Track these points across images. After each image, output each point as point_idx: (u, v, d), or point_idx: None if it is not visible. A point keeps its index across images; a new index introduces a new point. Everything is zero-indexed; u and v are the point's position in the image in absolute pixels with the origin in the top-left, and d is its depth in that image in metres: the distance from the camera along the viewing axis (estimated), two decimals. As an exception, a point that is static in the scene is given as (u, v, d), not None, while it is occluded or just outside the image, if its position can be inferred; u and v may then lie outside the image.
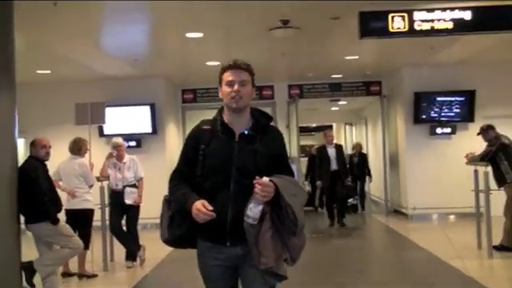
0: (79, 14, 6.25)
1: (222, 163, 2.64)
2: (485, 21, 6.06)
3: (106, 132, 10.51)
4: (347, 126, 19.12)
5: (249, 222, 2.49)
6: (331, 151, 10.36)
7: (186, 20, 6.86)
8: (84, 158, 6.56)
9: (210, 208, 2.51)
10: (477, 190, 7.37)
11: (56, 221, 5.11)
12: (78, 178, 6.29)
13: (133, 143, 10.65)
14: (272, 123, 2.84)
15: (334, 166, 10.26)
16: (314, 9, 6.41)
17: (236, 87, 2.65)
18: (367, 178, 12.99)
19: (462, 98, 10.75)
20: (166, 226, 2.74)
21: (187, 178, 2.70)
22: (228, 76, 2.68)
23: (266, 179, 2.48)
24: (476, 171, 7.35)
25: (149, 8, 6.35)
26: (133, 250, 7.03)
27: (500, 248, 7.11)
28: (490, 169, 7.07)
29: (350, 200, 11.31)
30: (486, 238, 6.98)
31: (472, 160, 7.35)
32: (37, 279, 5.20)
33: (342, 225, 10.35)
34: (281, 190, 2.51)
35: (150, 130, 10.79)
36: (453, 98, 10.80)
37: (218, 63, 9.36)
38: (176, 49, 8.59)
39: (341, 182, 10.27)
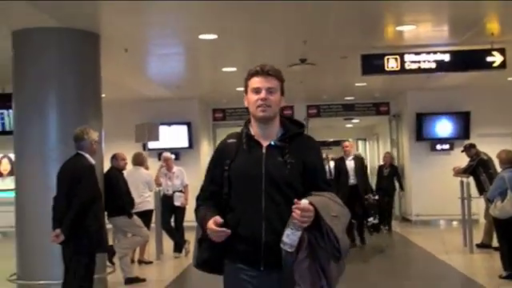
0: (132, 51, 7.94)
1: (250, 179, 2.38)
2: (461, 62, 7.67)
3: (149, 147, 12.23)
4: (360, 141, 20.67)
5: (285, 248, 2.23)
6: (349, 163, 9.21)
7: (221, 57, 8.56)
8: (149, 169, 8.28)
9: (220, 221, 2.29)
10: (462, 197, 8.88)
11: (131, 215, 6.81)
12: (144, 185, 7.95)
13: (172, 156, 12.34)
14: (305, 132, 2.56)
15: (352, 180, 9.12)
16: (327, 50, 8.07)
17: (263, 94, 2.40)
18: (399, 191, 12.12)
19: (458, 118, 12.28)
20: (196, 249, 2.52)
21: (213, 197, 2.47)
22: (255, 82, 2.43)
23: (305, 202, 2.20)
24: (462, 182, 8.88)
25: (192, 47, 8.04)
26: (180, 244, 8.69)
27: (481, 245, 8.58)
28: (471, 180, 8.61)
29: (370, 219, 9.30)
30: (468, 238, 8.51)
31: (458, 173, 8.89)
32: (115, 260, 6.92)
33: (362, 243, 9.51)
34: (321, 211, 2.23)
35: (187, 145, 12.51)
36: (450, 118, 12.34)
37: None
38: (213, 79, 10.33)
39: (359, 198, 8.99)
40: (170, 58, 8.57)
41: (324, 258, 2.25)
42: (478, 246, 8.57)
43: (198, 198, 2.55)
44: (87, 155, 4.64)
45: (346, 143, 9.61)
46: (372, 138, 18.89)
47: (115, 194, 6.58)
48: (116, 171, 6.85)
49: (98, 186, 4.70)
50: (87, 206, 4.40)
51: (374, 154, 18.63)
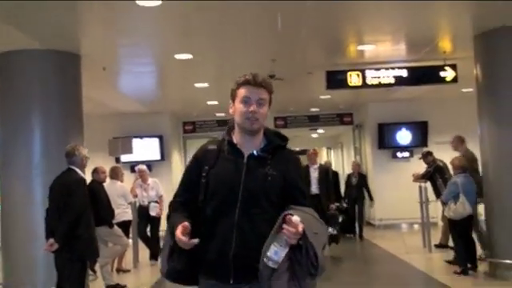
0: (109, 69, 8.31)
1: (227, 187, 2.30)
2: (417, 77, 8.31)
3: (122, 159, 12.54)
4: (324, 150, 21.40)
5: (269, 264, 2.16)
6: (313, 172, 9.08)
7: (194, 74, 9.00)
8: (124, 182, 8.62)
9: (188, 229, 2.19)
10: (421, 201, 9.51)
11: (112, 225, 7.15)
12: (120, 197, 8.29)
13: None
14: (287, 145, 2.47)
15: (314, 189, 8.90)
16: (294, 67, 8.61)
17: (253, 107, 2.31)
18: (367, 201, 11.88)
19: (416, 128, 13.01)
20: (165, 258, 2.39)
21: (187, 203, 2.38)
22: (245, 92, 2.33)
23: (297, 219, 2.12)
24: (420, 187, 9.52)
25: (167, 66, 8.48)
26: (155, 252, 9.04)
27: (439, 246, 9.21)
28: (429, 185, 9.26)
29: (330, 230, 8.84)
30: (427, 239, 9.14)
31: (416, 178, 9.52)
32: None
33: None
34: (305, 227, 2.15)
35: (159, 157, 12.87)
36: (409, 128, 13.06)
37: (216, 102, 11.58)
38: (185, 93, 10.75)
39: (320, 208, 8.30)
40: (145, 75, 8.99)
41: (301, 274, 2.19)
42: (437, 246, 9.19)
43: (171, 205, 2.44)
44: (78, 170, 5.01)
45: (311, 151, 9.51)
46: (337, 147, 19.59)
47: (97, 205, 6.90)
48: (97, 184, 7.19)
49: (88, 198, 5.06)
50: (79, 216, 4.77)
51: (338, 162, 19.32)
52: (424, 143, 12.79)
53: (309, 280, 2.22)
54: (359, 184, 11.66)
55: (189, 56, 7.42)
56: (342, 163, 17.95)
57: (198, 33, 6.46)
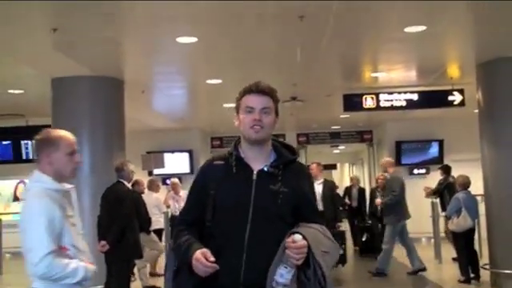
0: (147, 92, 9.27)
1: (236, 206, 2.19)
2: (427, 100, 9.02)
3: (154, 172, 13.47)
4: (346, 165, 22.10)
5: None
6: (317, 187, 7.96)
7: (223, 96, 9.86)
8: (158, 193, 9.50)
9: (212, 259, 2.08)
10: (433, 216, 10.17)
11: (149, 232, 8.01)
12: (155, 207, 9.16)
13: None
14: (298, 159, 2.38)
15: (318, 206, 9.62)
16: (313, 90, 9.42)
17: (257, 115, 2.24)
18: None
19: (433, 145, 13.66)
20: (169, 280, 2.27)
21: (195, 222, 2.28)
22: (248, 101, 2.28)
23: (299, 238, 2.05)
24: (432, 202, 10.17)
25: (199, 89, 9.35)
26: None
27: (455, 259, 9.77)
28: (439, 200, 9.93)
29: None
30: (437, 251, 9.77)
31: (428, 194, 10.20)
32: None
33: None
34: (312, 247, 2.07)
35: (188, 171, 13.76)
36: (426, 145, 13.72)
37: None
38: (214, 112, 11.64)
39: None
40: (178, 97, 9.93)
41: None
42: (454, 259, 9.72)
43: (177, 225, 2.35)
44: (126, 182, 5.88)
45: (313, 165, 8.91)
46: (358, 163, 20.26)
47: (137, 214, 7.77)
48: (137, 195, 8.06)
49: (137, 205, 5.93)
50: (127, 222, 5.63)
51: (360, 177, 19.93)
52: (440, 161, 13.40)
53: None
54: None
55: (219, 81, 8.30)
56: (363, 178, 18.60)
57: (228, 62, 7.32)
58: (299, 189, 2.29)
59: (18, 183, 13.96)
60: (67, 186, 2.91)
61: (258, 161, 2.29)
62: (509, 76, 7.28)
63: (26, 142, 10.76)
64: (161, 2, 4.79)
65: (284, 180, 2.25)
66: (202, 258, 2.08)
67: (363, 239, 10.84)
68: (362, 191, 12.30)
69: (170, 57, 6.88)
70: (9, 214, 12.86)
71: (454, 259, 9.64)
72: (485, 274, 7.81)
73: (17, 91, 8.65)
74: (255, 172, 2.26)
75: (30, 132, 10.62)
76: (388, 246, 8.60)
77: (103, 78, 7.58)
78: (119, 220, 5.58)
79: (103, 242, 5.63)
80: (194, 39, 5.93)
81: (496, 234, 7.52)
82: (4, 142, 10.78)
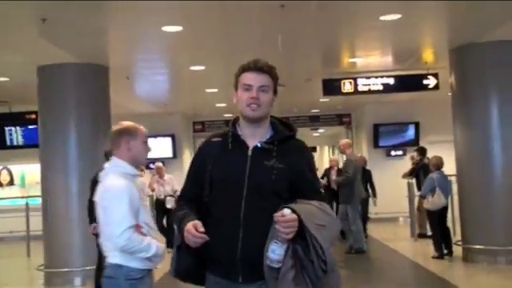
0: (131, 78, 9.47)
1: (232, 181, 2.22)
2: (403, 84, 9.37)
3: (138, 157, 13.66)
4: (326, 148, 22.52)
5: (272, 265, 2.06)
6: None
7: (206, 81, 10.09)
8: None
9: (202, 230, 2.10)
10: (409, 195, 10.57)
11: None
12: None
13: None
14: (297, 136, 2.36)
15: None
16: (294, 75, 9.68)
17: (254, 93, 2.23)
18: (371, 198, 11.26)
19: (410, 128, 14.07)
20: (174, 256, 2.30)
21: (195, 198, 2.30)
22: (246, 78, 2.26)
23: (287, 212, 2.02)
24: (408, 183, 10.57)
25: (182, 75, 9.57)
26: (171, 241, 10.12)
27: (420, 235, 10.19)
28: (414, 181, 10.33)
29: None
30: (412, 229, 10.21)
31: (404, 175, 10.59)
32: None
33: None
34: (304, 220, 2.04)
35: (171, 155, 13.98)
36: (403, 128, 14.12)
37: (225, 104, 12.68)
38: (196, 97, 11.85)
39: None
40: (162, 82, 10.14)
41: (311, 269, 2.05)
42: (419, 235, 10.19)
43: (178, 200, 2.42)
44: (115, 167, 6.09)
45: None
46: (337, 145, 20.64)
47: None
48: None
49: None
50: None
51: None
52: (416, 143, 13.80)
53: (323, 275, 2.05)
54: (363, 180, 10.55)
55: (202, 67, 8.51)
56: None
57: (211, 50, 7.54)
58: (295, 165, 2.25)
59: (1, 169, 14.04)
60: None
61: (255, 138, 2.28)
62: (480, 60, 7.61)
63: (9, 128, 10.87)
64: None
65: (279, 156, 2.23)
66: (192, 229, 2.10)
67: None
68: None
69: (155, 45, 7.08)
70: (-7, 199, 12.98)
71: (421, 235, 10.08)
72: (457, 250, 8.22)
73: (2, 78, 8.74)
74: (250, 148, 2.26)
75: (13, 118, 10.81)
76: (355, 225, 9.00)
77: (88, 65, 7.73)
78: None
79: (94, 224, 5.80)
80: (179, 28, 6.14)
81: (467, 212, 7.92)
82: (-13, 129, 10.86)
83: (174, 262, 2.31)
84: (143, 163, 3.46)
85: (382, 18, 6.13)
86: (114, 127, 3.37)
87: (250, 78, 2.27)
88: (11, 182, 14.06)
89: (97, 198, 3.24)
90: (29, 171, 13.84)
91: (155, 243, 3.12)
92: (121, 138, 3.24)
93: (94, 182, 6.14)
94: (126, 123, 3.37)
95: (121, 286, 3.04)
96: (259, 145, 2.26)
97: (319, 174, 13.61)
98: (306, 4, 5.55)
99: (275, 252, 2.05)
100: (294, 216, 2.03)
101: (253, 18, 6.06)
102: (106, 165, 3.33)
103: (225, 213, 2.22)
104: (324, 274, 2.07)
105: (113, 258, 3.07)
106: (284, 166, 2.22)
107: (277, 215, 2.04)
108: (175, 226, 2.29)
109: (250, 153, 2.26)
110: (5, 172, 14.09)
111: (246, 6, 5.56)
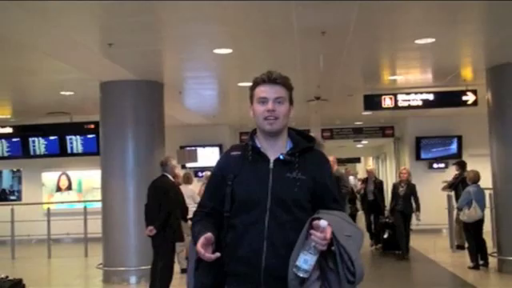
0: (184, 93, 10.15)
1: (254, 195, 2.20)
2: (442, 100, 9.69)
3: (187, 165, 14.38)
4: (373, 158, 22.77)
5: (300, 274, 2.03)
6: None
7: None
8: (192, 185, 10.38)
9: (211, 237, 2.09)
10: (449, 208, 10.84)
11: (186, 220, 8.87)
12: (189, 198, 10.00)
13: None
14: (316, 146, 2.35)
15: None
16: (336, 91, 10.17)
17: (270, 106, 2.23)
18: (414, 213, 10.17)
19: (452, 141, 14.28)
20: (191, 271, 2.25)
21: (213, 213, 2.28)
22: (261, 92, 2.27)
23: (324, 224, 2.01)
24: (448, 196, 10.85)
25: (231, 91, 10.19)
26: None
27: (458, 247, 10.43)
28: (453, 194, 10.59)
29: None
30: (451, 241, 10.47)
31: (444, 188, 10.88)
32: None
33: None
34: (335, 231, 2.03)
35: (219, 164, 14.62)
36: (446, 141, 14.34)
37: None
38: (242, 110, 12.45)
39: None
40: (212, 97, 10.79)
41: (334, 281, 2.06)
42: (458, 247, 10.42)
43: (195, 215, 2.36)
44: (169, 176, 6.74)
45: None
46: (381, 156, 20.92)
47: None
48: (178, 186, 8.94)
49: (179, 196, 6.79)
50: (171, 210, 6.50)
51: (383, 171, 20.65)
52: (459, 155, 13.98)
53: (349, 287, 2.05)
54: (407, 194, 10.06)
55: (249, 83, 9.07)
56: (385, 173, 19.28)
57: (258, 68, 8.09)
58: (317, 176, 2.26)
59: (61, 175, 15.03)
60: None
61: (275, 150, 2.27)
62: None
63: (70, 137, 11.75)
64: (200, 21, 5.61)
65: (301, 168, 2.24)
66: (199, 247, 2.08)
67: (385, 236, 10.69)
68: (378, 184, 11.86)
69: (207, 64, 7.72)
70: (52, 203, 13.96)
71: (459, 247, 10.26)
72: (493, 261, 8.49)
73: (68, 93, 9.59)
74: (272, 161, 2.25)
75: (74, 128, 11.68)
76: None
77: (145, 82, 8.45)
78: (165, 208, 6.42)
79: (151, 227, 6.49)
80: (229, 50, 6.75)
81: (503, 225, 8.20)
82: (51, 137, 11.78)
83: (191, 278, 2.26)
84: None
85: (416, 41, 6.57)
86: None
87: (264, 90, 2.27)
88: (69, 187, 15.07)
89: None
90: (85, 177, 14.82)
91: None
92: None
93: (151, 188, 6.83)
94: None
95: None
96: (281, 157, 2.25)
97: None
98: (345, 31, 6.04)
99: (307, 262, 2.03)
100: (330, 228, 2.03)
101: (297, 43, 6.58)
102: None
103: (248, 227, 2.19)
104: (351, 286, 2.05)
105: None
106: (306, 177, 2.23)
107: (313, 226, 2.05)
108: (192, 242, 2.25)
109: (271, 165, 2.25)
110: (64, 177, 15.10)
111: (291, 32, 6.08)
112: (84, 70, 7.92)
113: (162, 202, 6.48)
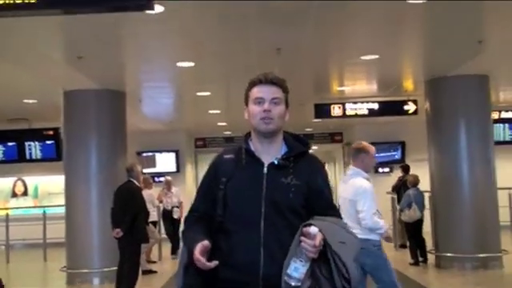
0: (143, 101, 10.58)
1: (249, 200, 2.14)
2: (386, 109, 10.48)
3: (144, 171, 14.68)
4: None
5: (291, 283, 1.97)
6: None
7: (210, 104, 11.18)
8: (152, 190, 10.78)
9: (208, 245, 2.04)
10: (392, 209, 11.63)
11: (147, 223, 9.27)
12: (149, 203, 10.37)
13: (163, 179, 14.85)
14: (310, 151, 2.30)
15: None
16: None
17: (266, 106, 2.18)
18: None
19: (396, 147, 15.19)
20: (180, 275, 2.21)
21: (204, 217, 2.22)
22: (256, 92, 2.22)
23: (314, 230, 1.95)
24: (392, 198, 11.65)
25: (188, 99, 10.66)
26: (176, 247, 11.17)
27: (401, 246, 11.21)
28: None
29: None
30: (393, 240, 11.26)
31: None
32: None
33: None
34: (328, 238, 1.99)
35: (175, 169, 15.03)
36: (390, 147, 15.24)
37: (225, 123, 13.78)
38: (200, 116, 12.96)
39: None
40: (169, 105, 11.24)
41: None
42: (400, 246, 11.21)
43: (187, 220, 2.30)
44: (135, 181, 7.16)
45: None
46: (330, 162, 21.81)
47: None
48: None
49: (144, 200, 7.21)
50: (137, 213, 6.92)
51: (331, 174, 21.53)
52: (402, 160, 14.87)
53: None
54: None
55: (207, 93, 9.62)
56: (335, 179, 20.17)
57: (218, 80, 8.66)
58: (312, 181, 2.21)
59: (16, 181, 15.05)
60: None
61: (269, 154, 2.22)
62: (450, 91, 8.74)
63: (29, 143, 11.90)
64: (164, 36, 6.08)
65: (296, 173, 2.19)
66: (198, 255, 2.04)
67: None
68: None
69: (169, 76, 8.20)
70: (7, 209, 13.97)
71: (402, 246, 11.02)
72: (431, 258, 9.29)
73: (31, 101, 9.84)
74: (266, 165, 2.20)
75: (32, 134, 11.85)
76: None
77: (108, 91, 8.79)
78: (131, 211, 6.84)
79: (117, 230, 6.88)
80: (191, 64, 7.25)
81: (440, 225, 9.00)
82: (9, 144, 11.90)
83: (180, 280, 2.22)
84: (369, 171, 4.91)
85: (362, 57, 7.26)
86: (355, 145, 4.93)
87: (260, 91, 2.24)
88: (25, 193, 15.12)
89: (345, 193, 4.71)
90: (42, 183, 14.91)
91: (383, 223, 4.64)
92: (359, 153, 4.71)
93: (117, 193, 7.22)
94: (363, 143, 4.86)
95: (371, 251, 4.49)
96: (276, 161, 2.20)
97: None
98: (298, 48, 6.66)
99: (298, 270, 1.98)
100: (321, 235, 1.98)
101: (253, 59, 7.12)
102: (350, 171, 4.83)
103: (242, 233, 2.14)
104: None
105: (361, 235, 4.24)
106: (301, 182, 2.18)
107: (303, 233, 2.01)
108: (184, 246, 2.24)
109: (265, 170, 2.19)
110: (20, 183, 15.15)
111: (247, 49, 6.65)
112: (49, 80, 8.22)
113: (129, 205, 6.89)
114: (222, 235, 2.17)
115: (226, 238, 2.16)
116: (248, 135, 2.31)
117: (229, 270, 2.12)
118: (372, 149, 4.81)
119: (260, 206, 2.14)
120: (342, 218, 2.29)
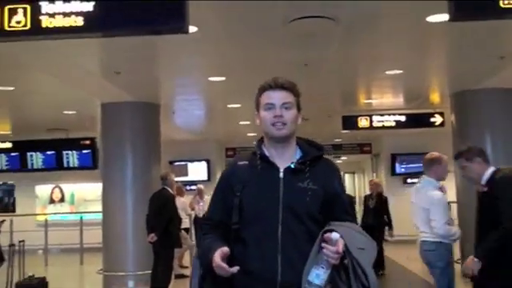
0: (176, 113, 11.00)
1: (265, 207, 2.10)
2: (412, 121, 10.67)
3: (176, 179, 15.12)
4: (347, 174, 23.82)
5: None
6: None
7: (241, 116, 11.54)
8: (184, 198, 11.17)
9: (227, 251, 2.02)
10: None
11: (180, 230, 9.65)
12: (182, 210, 10.76)
13: (194, 187, 15.26)
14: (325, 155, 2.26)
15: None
16: (315, 111, 11.07)
17: (278, 111, 2.16)
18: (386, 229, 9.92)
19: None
20: (196, 282, 2.20)
21: (220, 225, 2.19)
22: (267, 98, 2.20)
23: (336, 237, 1.94)
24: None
25: (221, 111, 11.04)
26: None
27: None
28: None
29: None
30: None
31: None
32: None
33: None
34: (348, 244, 1.97)
35: (206, 178, 15.44)
36: (418, 157, 15.31)
37: (255, 134, 14.11)
38: (231, 127, 13.34)
39: None
40: (202, 116, 11.65)
41: None
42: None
43: (202, 228, 2.31)
44: (169, 188, 7.54)
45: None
46: (359, 172, 21.93)
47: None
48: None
49: (176, 207, 7.58)
50: (171, 219, 7.29)
51: (361, 185, 21.65)
52: (431, 171, 14.97)
53: None
54: (377, 207, 9.81)
55: (238, 105, 9.98)
56: (363, 188, 20.31)
57: (248, 93, 8.95)
58: (328, 185, 2.19)
59: (54, 188, 15.69)
60: None
61: (284, 159, 2.19)
62: (475, 104, 8.89)
63: (67, 152, 12.45)
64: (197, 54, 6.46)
65: (312, 177, 2.16)
66: (219, 261, 2.02)
67: None
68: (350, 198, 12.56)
69: (201, 89, 8.58)
70: (45, 214, 14.57)
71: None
72: (457, 267, 9.37)
73: (70, 112, 10.36)
74: (281, 170, 2.17)
75: (70, 144, 12.40)
76: None
77: (143, 103, 9.23)
78: (165, 217, 7.22)
79: (152, 235, 7.27)
80: (222, 78, 7.62)
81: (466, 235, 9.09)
82: (48, 152, 12.46)
83: None
84: (443, 179, 5.02)
85: (387, 72, 7.51)
86: (428, 156, 5.03)
87: (271, 96, 2.22)
88: (62, 199, 15.73)
89: (418, 201, 4.91)
90: (78, 190, 15.51)
91: (456, 230, 4.87)
92: (431, 164, 4.89)
93: (152, 200, 7.61)
94: (436, 154, 5.00)
95: (442, 254, 4.74)
96: (292, 166, 2.17)
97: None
98: (325, 63, 6.96)
99: (320, 277, 1.96)
100: (342, 241, 1.96)
101: (283, 73, 7.41)
102: (422, 180, 4.97)
103: (260, 239, 2.11)
104: None
105: (434, 238, 4.68)
106: (317, 187, 2.15)
107: (325, 239, 1.99)
108: (195, 258, 2.27)
109: (281, 175, 2.16)
110: (57, 190, 15.77)
111: (277, 64, 6.94)
112: (88, 93, 8.70)
113: (162, 211, 7.27)
114: (238, 243, 2.14)
115: (242, 246, 2.13)
116: (261, 141, 2.29)
117: (245, 279, 2.07)
118: (445, 159, 4.97)
119: (277, 211, 2.11)
120: (357, 223, 2.30)
